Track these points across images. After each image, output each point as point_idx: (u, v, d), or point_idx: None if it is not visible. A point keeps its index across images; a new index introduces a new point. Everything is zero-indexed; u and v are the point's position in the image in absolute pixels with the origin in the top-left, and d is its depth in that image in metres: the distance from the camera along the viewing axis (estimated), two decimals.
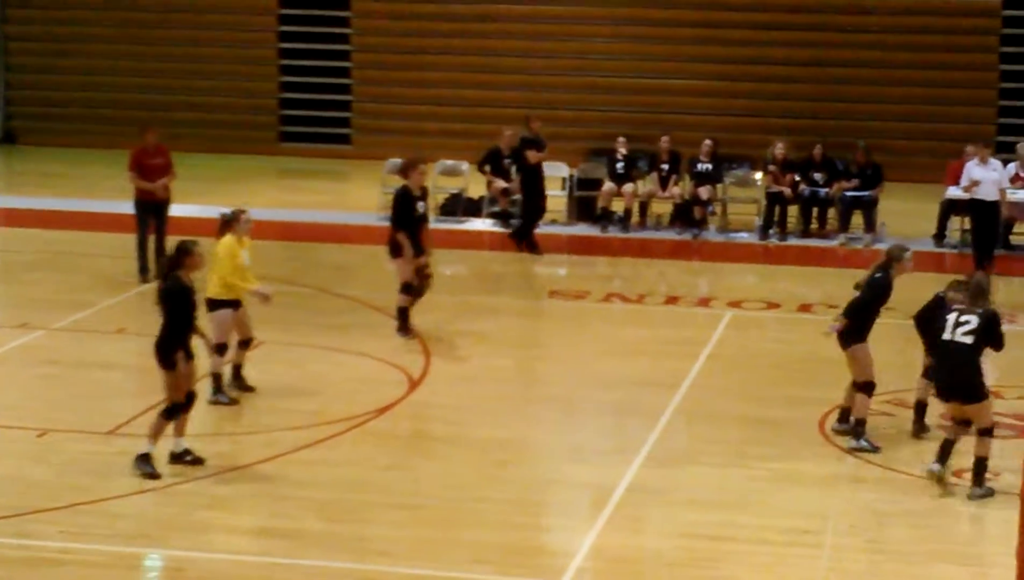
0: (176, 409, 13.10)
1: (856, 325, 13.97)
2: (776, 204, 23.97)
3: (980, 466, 12.91)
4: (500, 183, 24.31)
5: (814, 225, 24.32)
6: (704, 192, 24.10)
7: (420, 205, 17.64)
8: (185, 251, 13.25)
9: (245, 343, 15.41)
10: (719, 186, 24.65)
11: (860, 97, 29.36)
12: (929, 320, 13.87)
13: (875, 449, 13.84)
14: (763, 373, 16.49)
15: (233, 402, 15.04)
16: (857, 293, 14.13)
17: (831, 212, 24.25)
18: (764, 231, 23.96)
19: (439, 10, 30.65)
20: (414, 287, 17.50)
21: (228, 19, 31.34)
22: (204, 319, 14.84)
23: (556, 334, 18.95)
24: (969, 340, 12.92)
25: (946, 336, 13.04)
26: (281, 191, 27.94)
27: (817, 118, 28.84)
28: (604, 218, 24.39)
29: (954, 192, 22.91)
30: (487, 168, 24.30)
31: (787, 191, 23.90)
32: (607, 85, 30.08)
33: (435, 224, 24.37)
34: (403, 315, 17.57)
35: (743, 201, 25.05)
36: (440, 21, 30.59)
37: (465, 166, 25.73)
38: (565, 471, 13.56)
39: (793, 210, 24.16)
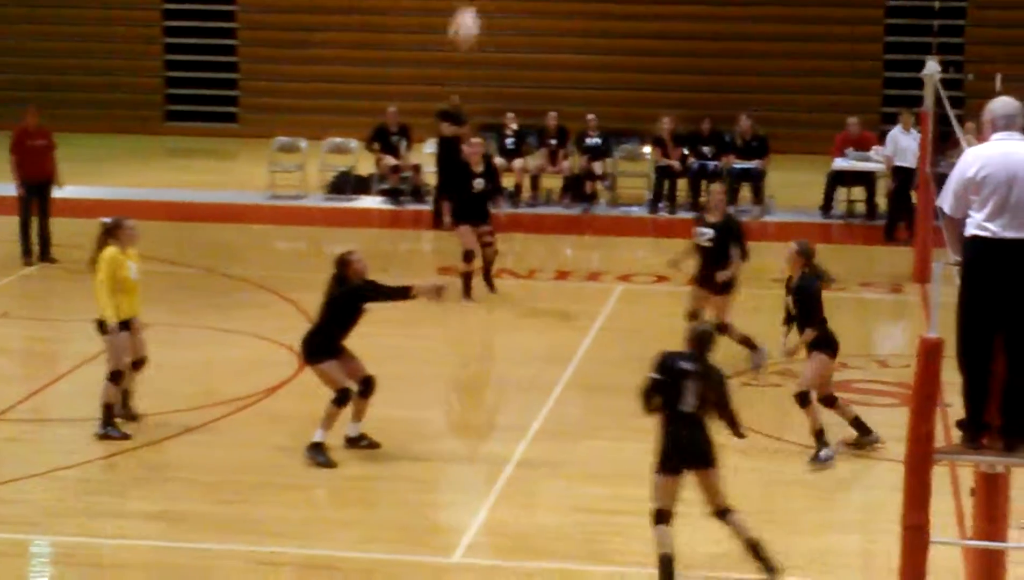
0: (344, 397, 12.97)
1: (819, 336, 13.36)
2: (665, 178, 24.08)
3: None
4: (389, 160, 24.22)
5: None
6: (595, 166, 24.17)
7: (477, 182, 17.62)
8: (346, 263, 13.20)
9: (137, 364, 13.75)
10: (608, 160, 24.74)
11: (746, 70, 29.53)
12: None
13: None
14: (653, 346, 16.31)
15: (125, 436, 13.37)
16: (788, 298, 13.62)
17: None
18: (654, 205, 24.07)
19: None
20: (474, 254, 17.94)
21: None
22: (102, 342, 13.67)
23: (446, 311, 18.88)
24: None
25: None
26: (168, 171, 27.63)
27: (704, 91, 28.97)
28: None
29: (841, 163, 23.19)
30: (376, 145, 24.19)
31: (676, 164, 24.02)
32: (495, 60, 30.00)
33: (324, 202, 24.47)
34: (467, 280, 18.09)
35: (632, 175, 25.15)
36: None
37: (354, 144, 25.64)
38: (457, 447, 13.56)
39: (682, 183, 24.29)
